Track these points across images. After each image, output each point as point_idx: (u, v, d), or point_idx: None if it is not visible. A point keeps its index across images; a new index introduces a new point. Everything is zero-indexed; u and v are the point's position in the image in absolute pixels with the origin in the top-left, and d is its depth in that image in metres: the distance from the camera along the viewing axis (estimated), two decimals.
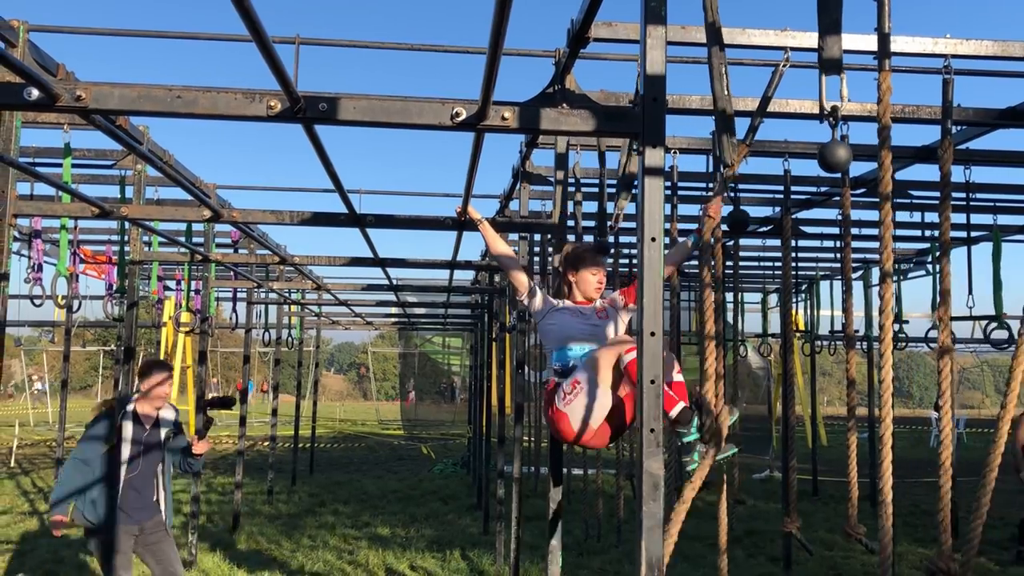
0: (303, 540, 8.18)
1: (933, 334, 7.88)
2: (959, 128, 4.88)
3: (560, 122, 2.32)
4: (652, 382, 2.26)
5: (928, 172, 7.90)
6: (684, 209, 6.87)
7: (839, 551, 8.07)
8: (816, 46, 3.88)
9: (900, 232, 7.87)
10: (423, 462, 15.95)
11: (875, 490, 11.01)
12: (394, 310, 13.09)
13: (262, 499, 10.79)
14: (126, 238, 5.76)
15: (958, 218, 6.70)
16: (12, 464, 14.28)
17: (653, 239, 2.29)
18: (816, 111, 4.40)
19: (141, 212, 3.98)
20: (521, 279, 3.61)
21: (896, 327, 8.29)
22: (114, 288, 9.44)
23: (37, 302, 6.70)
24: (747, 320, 13.35)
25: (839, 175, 5.59)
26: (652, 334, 2.27)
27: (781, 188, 6.22)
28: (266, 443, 17.12)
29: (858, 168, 6.50)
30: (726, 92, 3.10)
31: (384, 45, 4.28)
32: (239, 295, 10.89)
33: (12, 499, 10.53)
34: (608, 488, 9.18)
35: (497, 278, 8.37)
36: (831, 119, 2.27)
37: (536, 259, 6.91)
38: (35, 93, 2.15)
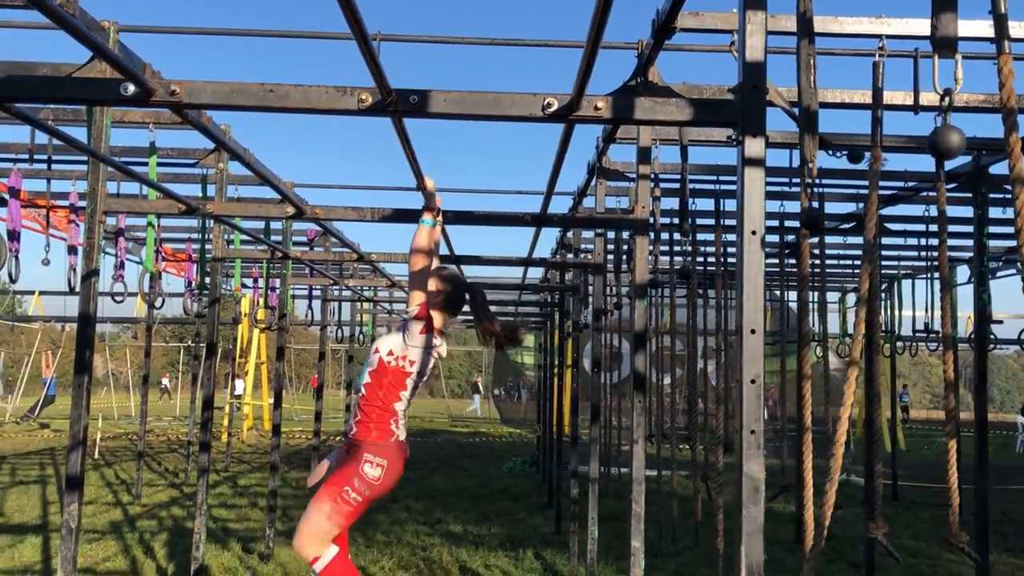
0: (377, 536, 8.24)
1: None
2: None
3: (655, 111, 2.24)
4: (752, 381, 2.18)
5: None
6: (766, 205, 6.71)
7: (924, 559, 7.79)
8: (912, 33, 3.75)
9: (993, 229, 7.55)
10: (491, 460, 15.96)
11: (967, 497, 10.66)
12: (465, 308, 13.12)
13: None
14: (208, 236, 5.86)
15: None
16: (96, 456, 14.73)
17: (753, 232, 2.21)
18: (909, 102, 4.24)
19: (225, 208, 4.04)
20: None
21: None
22: (194, 285, 9.67)
23: (119, 299, 6.89)
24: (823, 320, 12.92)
25: (931, 169, 5.39)
26: (752, 332, 2.19)
27: (866, 183, 6.02)
28: (338, 438, 17.36)
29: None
30: (812, 87, 2.98)
31: (466, 40, 4.25)
32: (312, 293, 11.03)
33: (97, 490, 10.86)
34: (681, 490, 9.03)
35: (569, 275, 8.30)
36: (944, 102, 2.15)
37: (611, 256, 6.81)
38: (131, 88, 2.17)
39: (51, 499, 10.04)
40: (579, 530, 7.21)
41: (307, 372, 40.30)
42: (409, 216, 3.95)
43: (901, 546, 8.19)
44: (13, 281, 5.94)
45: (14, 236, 6.22)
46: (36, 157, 5.95)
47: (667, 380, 11.45)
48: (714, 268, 6.08)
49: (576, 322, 7.14)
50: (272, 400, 23.06)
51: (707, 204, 6.32)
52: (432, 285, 3.56)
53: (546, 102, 2.21)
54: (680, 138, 4.36)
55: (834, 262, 10.88)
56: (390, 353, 3.48)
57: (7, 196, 6.91)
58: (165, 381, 33.86)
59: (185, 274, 9.51)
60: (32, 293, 17.66)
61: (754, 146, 2.20)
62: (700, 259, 8.43)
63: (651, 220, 5.93)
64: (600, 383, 5.89)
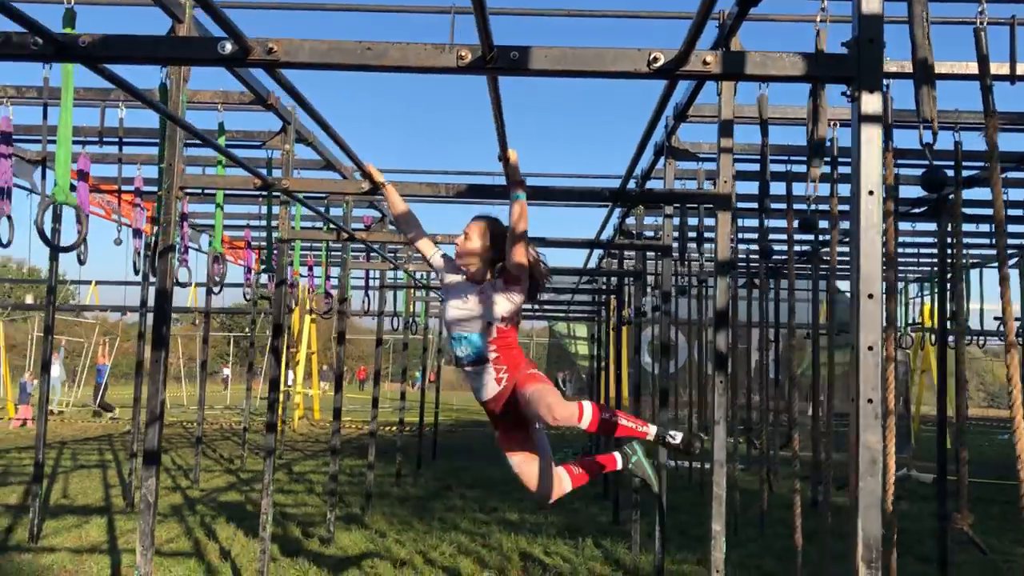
0: (434, 522, 8.23)
1: None
2: None
3: (767, 66, 2.15)
4: (870, 348, 2.08)
5: None
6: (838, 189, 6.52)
7: (998, 555, 7.55)
8: None
9: None
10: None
11: None
12: None
13: (390, 481, 10.95)
14: (274, 218, 5.87)
15: None
16: None
17: (871, 192, 2.11)
18: (1004, 71, 4.07)
19: (301, 185, 4.02)
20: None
21: None
22: (252, 272, 9.73)
23: (184, 284, 6.95)
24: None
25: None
26: (870, 296, 2.09)
27: (945, 164, 5.83)
28: (392, 428, 17.48)
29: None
30: (927, 40, 2.87)
31: (571, 13, 4.17)
32: (368, 282, 11.05)
33: None
34: (741, 483, 8.88)
35: (628, 262, 8.20)
36: None
37: (676, 242, 6.68)
38: (229, 47, 2.13)
39: (112, 483, 10.21)
40: (641, 519, 7.12)
41: (352, 364, 40.55)
42: (484, 192, 3.90)
43: (970, 542, 7.97)
44: (81, 263, 5.97)
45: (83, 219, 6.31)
46: (106, 140, 6.01)
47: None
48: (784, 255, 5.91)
49: (638, 308, 7.03)
50: (322, 389, 23.21)
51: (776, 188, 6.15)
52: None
53: (652, 57, 2.13)
54: (760, 113, 4.24)
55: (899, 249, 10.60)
56: (503, 318, 3.50)
57: (74, 181, 7.02)
58: (227, 371, 34.17)
59: (244, 261, 9.59)
60: (88, 283, 17.97)
61: (871, 102, 2.11)
62: (742, 249, 8.27)
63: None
64: (667, 369, 5.78)
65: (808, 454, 7.60)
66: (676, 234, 6.90)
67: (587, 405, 3.42)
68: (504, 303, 3.51)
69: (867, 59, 2.11)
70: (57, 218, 6.93)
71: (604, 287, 10.69)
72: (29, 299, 24.09)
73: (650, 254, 8.15)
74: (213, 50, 2.14)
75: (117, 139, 5.93)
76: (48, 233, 7.41)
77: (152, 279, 10.27)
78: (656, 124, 3.06)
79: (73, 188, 7.11)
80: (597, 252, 10.75)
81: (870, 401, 2.06)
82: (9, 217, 5.54)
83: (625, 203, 4.91)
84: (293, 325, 18.95)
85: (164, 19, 3.74)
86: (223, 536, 7.28)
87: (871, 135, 2.11)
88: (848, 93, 2.17)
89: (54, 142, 6.25)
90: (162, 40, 2.20)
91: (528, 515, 8.74)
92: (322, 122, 3.06)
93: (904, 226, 8.81)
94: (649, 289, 9.57)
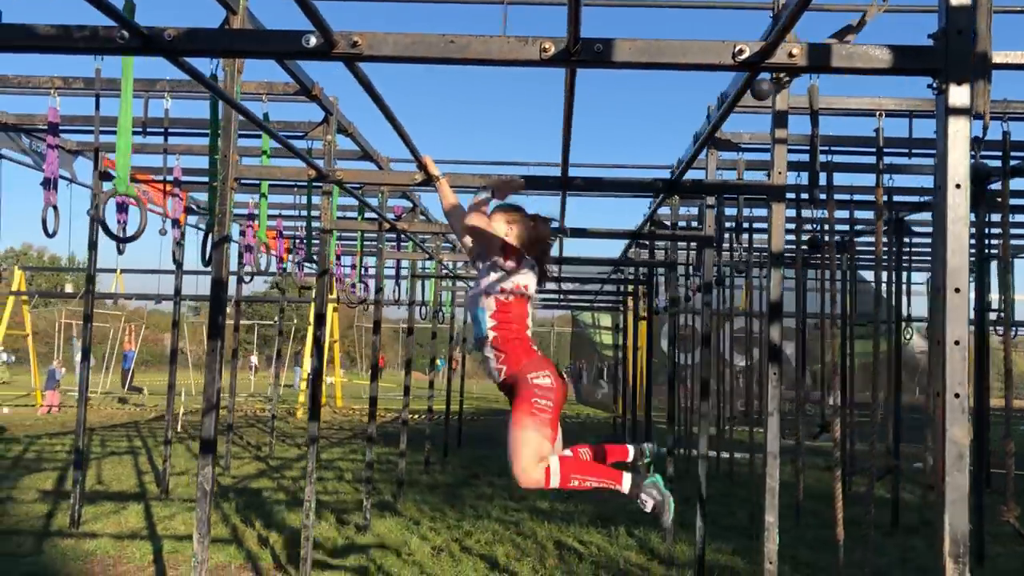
0: (466, 509, 8.27)
1: None
2: None
3: (854, 59, 2.14)
4: (957, 343, 2.08)
5: None
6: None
7: None
8: None
9: None
10: (566, 440, 15.92)
11: None
12: (550, 286, 13.08)
13: (418, 469, 11.00)
14: (315, 208, 5.89)
15: None
16: (179, 429, 15.10)
17: (958, 186, 2.10)
18: None
19: (354, 176, 4.03)
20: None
21: None
22: (283, 263, 9.77)
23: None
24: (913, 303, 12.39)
25: None
26: (957, 290, 2.08)
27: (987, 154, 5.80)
28: (414, 416, 17.54)
29: None
30: (989, 32, 2.84)
31: (652, 3, 4.16)
32: (399, 272, 11.09)
33: (186, 462, 11.10)
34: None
35: (662, 253, 8.18)
36: None
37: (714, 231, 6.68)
38: (313, 40, 2.14)
39: (144, 469, 10.31)
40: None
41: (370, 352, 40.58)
42: (538, 184, 3.90)
43: (1004, 533, 7.93)
44: (120, 252, 6.00)
45: (123, 208, 6.36)
46: (149, 130, 6.05)
47: (743, 362, 11.27)
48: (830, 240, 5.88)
49: (674, 298, 7.01)
50: (346, 378, 23.18)
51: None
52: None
53: (737, 49, 2.13)
54: (810, 103, 4.22)
55: (925, 240, 10.51)
56: (502, 291, 3.48)
57: (111, 170, 7.06)
58: (253, 359, 34.28)
59: (275, 251, 9.64)
60: (113, 271, 18.06)
61: (959, 95, 2.10)
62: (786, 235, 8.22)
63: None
64: (709, 359, 5.78)
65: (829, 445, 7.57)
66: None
67: (555, 467, 3.37)
68: (493, 274, 3.53)
69: (955, 51, 2.10)
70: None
71: (632, 277, 10.67)
72: (69, 287, 24.36)
73: (681, 244, 8.13)
74: (298, 43, 2.15)
75: (162, 129, 5.96)
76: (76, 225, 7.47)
77: (194, 267, 10.36)
78: (725, 116, 3.05)
79: (110, 177, 7.16)
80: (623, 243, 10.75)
81: (957, 396, 2.06)
82: (55, 207, 5.60)
83: (677, 194, 4.91)
84: None
85: (177, 11, 3.74)
86: (259, 523, 7.35)
87: (958, 127, 2.10)
88: (934, 85, 2.16)
89: (105, 132, 6.32)
90: (246, 33, 2.22)
91: (558, 504, 8.77)
92: (389, 115, 3.07)
93: (927, 216, 8.74)
94: (684, 279, 9.55)
